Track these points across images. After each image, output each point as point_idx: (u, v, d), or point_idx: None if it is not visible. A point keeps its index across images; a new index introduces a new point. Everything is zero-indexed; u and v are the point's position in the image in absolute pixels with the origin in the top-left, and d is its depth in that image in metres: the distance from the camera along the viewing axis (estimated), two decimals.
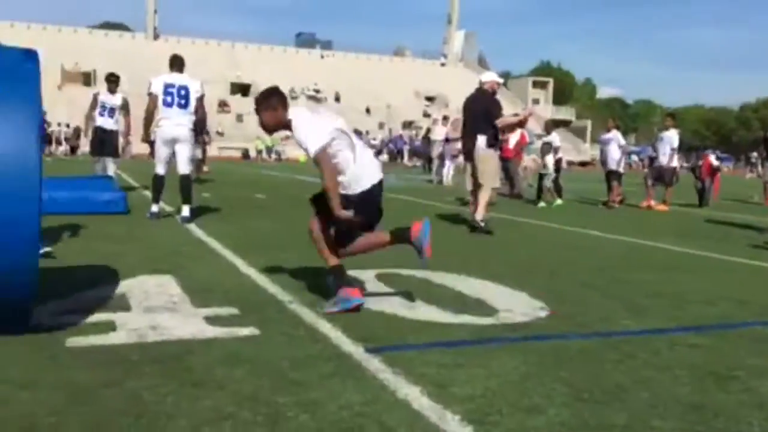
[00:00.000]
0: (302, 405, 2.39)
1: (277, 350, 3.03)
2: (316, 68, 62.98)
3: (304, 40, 75.96)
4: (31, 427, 2.14)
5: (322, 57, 68.85)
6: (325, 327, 3.43)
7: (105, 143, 10.58)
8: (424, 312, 3.82)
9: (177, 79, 7.67)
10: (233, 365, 2.79)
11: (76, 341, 3.05)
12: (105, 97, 10.55)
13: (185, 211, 7.66)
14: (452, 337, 3.35)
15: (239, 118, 51.63)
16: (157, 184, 7.86)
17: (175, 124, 7.58)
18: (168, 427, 2.17)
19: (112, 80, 10.68)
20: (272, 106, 3.83)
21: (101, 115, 10.50)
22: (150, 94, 7.63)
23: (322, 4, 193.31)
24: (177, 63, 7.83)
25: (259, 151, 42.12)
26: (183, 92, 7.58)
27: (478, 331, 3.46)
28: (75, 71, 53.39)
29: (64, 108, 42.06)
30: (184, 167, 7.75)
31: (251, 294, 4.16)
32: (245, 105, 53.54)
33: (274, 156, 41.79)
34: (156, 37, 61.95)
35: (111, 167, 10.71)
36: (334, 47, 73.43)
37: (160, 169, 7.81)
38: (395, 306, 3.92)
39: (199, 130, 8.21)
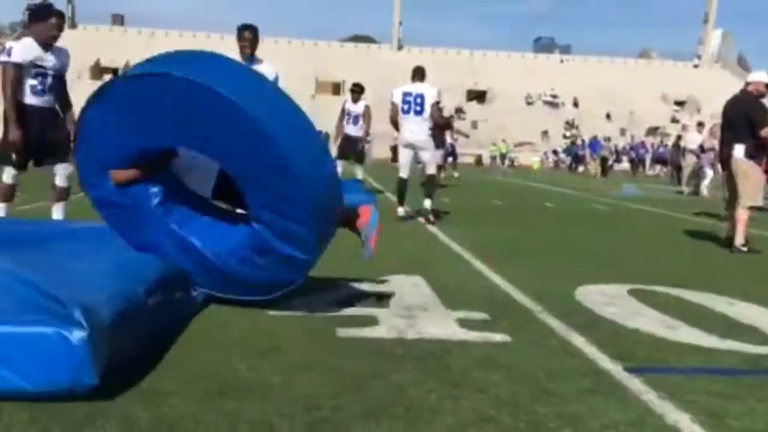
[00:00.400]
0: (563, 418, 2.37)
1: (531, 359, 3.03)
2: (554, 73, 61.74)
3: (543, 45, 75.00)
4: (316, 406, 2.37)
5: (561, 61, 67.31)
6: (578, 341, 3.36)
7: (349, 149, 11.39)
8: (686, 334, 3.58)
9: (415, 88, 8.16)
10: (490, 369, 2.85)
11: (345, 332, 3.32)
12: (349, 106, 11.36)
13: (426, 203, 8.08)
14: (721, 363, 3.10)
15: (474, 124, 52.32)
16: (401, 187, 8.32)
17: (410, 130, 8.06)
18: (434, 423, 2.28)
19: (355, 90, 11.49)
20: None
21: (347, 123, 11.32)
22: (392, 103, 8.19)
23: (562, 8, 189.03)
24: (418, 73, 8.30)
25: (493, 158, 42.33)
26: (419, 100, 8.02)
27: (752, 360, 3.16)
28: (326, 81, 58.00)
29: (316, 116, 45.86)
30: (429, 168, 8.20)
31: (499, 300, 4.21)
32: (480, 112, 54.20)
33: (507, 162, 41.76)
34: (400, 47, 65.07)
35: (358, 172, 11.46)
36: (572, 51, 71.48)
37: (403, 173, 8.27)
38: (653, 325, 3.72)
39: (436, 134, 8.58)
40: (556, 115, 55.46)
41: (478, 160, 43.80)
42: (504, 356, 3.05)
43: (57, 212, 5.59)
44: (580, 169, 36.80)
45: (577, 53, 69.89)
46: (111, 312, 2.48)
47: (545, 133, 51.99)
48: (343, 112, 11.42)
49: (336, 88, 57.07)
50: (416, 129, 8.03)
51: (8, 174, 5.39)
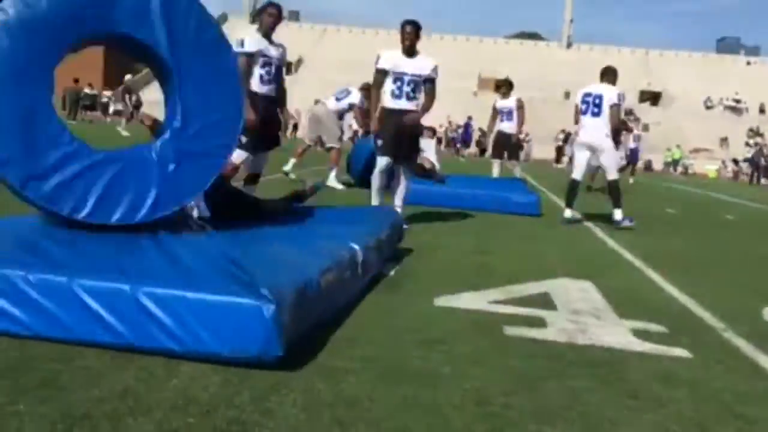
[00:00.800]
0: None
1: (716, 379, 2.83)
2: (739, 76, 56.98)
3: (727, 45, 69.49)
4: (486, 400, 2.36)
5: (748, 63, 62.00)
6: None
7: (504, 146, 11.14)
8: None
9: (595, 88, 7.83)
10: (671, 385, 2.69)
11: (512, 330, 3.28)
12: (500, 103, 11.10)
13: (617, 214, 7.74)
14: None
15: (645, 127, 49.59)
16: (572, 189, 8.05)
17: (587, 131, 7.75)
18: None
19: (502, 86, 11.21)
20: None
21: (501, 120, 11.06)
22: (576, 105, 7.92)
23: (750, 6, 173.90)
24: (605, 73, 7.94)
25: (667, 164, 39.88)
26: (597, 101, 7.68)
27: None
28: (490, 78, 57.51)
29: (478, 113, 45.65)
30: (610, 173, 7.84)
31: (677, 313, 3.96)
32: (653, 114, 51.27)
33: (680, 169, 39.19)
34: (569, 45, 63.07)
35: (515, 170, 11.20)
36: (761, 53, 65.65)
37: (576, 174, 8.00)
38: None
39: (613, 138, 8.13)
40: (739, 122, 51.14)
41: (648, 166, 41.43)
42: (685, 372, 2.87)
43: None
44: (763, 181, 33.75)
45: (766, 55, 64.08)
46: (293, 290, 2.61)
47: (725, 140, 48.17)
48: (495, 111, 11.22)
49: (495, 88, 56.46)
50: (592, 130, 7.71)
51: (238, 155, 5.72)
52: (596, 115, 7.67)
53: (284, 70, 6.02)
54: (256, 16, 6.74)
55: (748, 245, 8.00)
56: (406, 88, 5.99)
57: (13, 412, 1.94)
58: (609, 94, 7.69)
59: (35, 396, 2.06)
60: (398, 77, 5.99)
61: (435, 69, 6.09)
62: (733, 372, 2.95)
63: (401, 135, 6.02)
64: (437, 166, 9.95)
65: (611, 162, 7.90)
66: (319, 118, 10.72)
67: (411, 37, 6.08)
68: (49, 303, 2.45)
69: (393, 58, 6.07)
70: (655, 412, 2.38)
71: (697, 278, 5.12)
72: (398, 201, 6.22)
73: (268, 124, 5.72)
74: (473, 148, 41.00)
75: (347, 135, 10.46)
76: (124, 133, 20.68)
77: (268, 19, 5.68)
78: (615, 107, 7.64)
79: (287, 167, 10.57)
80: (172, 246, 3.15)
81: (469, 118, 35.84)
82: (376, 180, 6.16)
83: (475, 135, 38.63)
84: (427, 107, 6.13)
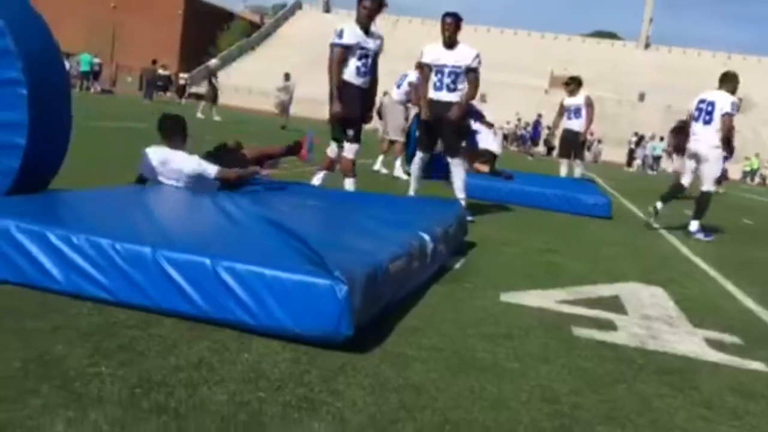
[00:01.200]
0: None
1: None
2: None
3: None
4: (554, 399, 2.33)
5: None
6: None
7: (570, 145, 10.83)
8: None
9: (710, 94, 7.43)
10: (746, 398, 2.59)
11: (581, 331, 3.22)
12: (567, 101, 10.78)
13: (693, 225, 7.47)
14: None
15: None
16: (674, 189, 7.75)
17: (695, 139, 7.42)
18: None
19: (570, 83, 10.84)
20: None
21: (568, 118, 10.75)
22: (689, 111, 7.61)
23: None
24: (723, 80, 7.49)
25: (745, 173, 38.36)
26: (709, 108, 7.30)
27: None
28: (562, 77, 56.39)
29: (548, 111, 44.86)
30: (705, 183, 7.45)
31: (754, 326, 3.82)
32: (738, 122, 49.35)
33: (757, 180, 37.64)
34: (647, 46, 61.28)
35: (577, 170, 10.90)
36: None
37: (684, 180, 7.70)
38: None
39: (725, 148, 7.69)
40: None
41: (724, 175, 39.87)
42: (762, 387, 2.76)
43: (347, 184, 5.87)
44: None
45: None
46: (364, 274, 2.62)
47: None
48: (561, 108, 10.92)
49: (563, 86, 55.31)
50: (700, 138, 7.37)
51: (331, 148, 5.84)
52: (707, 123, 7.31)
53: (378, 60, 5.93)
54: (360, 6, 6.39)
55: None
56: (447, 80, 5.98)
57: (96, 373, 2.02)
58: (722, 102, 7.32)
59: (115, 359, 2.14)
60: (439, 69, 5.99)
61: (476, 58, 6.01)
62: None
63: (440, 128, 6.01)
64: (498, 152, 9.89)
65: (710, 173, 7.48)
66: (385, 110, 10.74)
67: (451, 28, 6.02)
68: (133, 271, 2.54)
69: (433, 51, 6.06)
70: (729, 425, 2.31)
71: None
72: (459, 194, 6.17)
73: (356, 115, 5.70)
74: (541, 147, 40.34)
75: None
76: (200, 115, 21.19)
77: (362, 11, 5.62)
78: (726, 116, 7.26)
79: (376, 166, 10.62)
80: (249, 225, 3.22)
81: (539, 116, 35.25)
82: (414, 169, 6.42)
83: (544, 133, 37.92)
84: (471, 96, 6.10)
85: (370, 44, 5.66)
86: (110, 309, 2.58)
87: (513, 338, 2.97)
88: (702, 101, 7.41)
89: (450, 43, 6.06)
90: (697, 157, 7.45)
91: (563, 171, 10.91)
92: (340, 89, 5.56)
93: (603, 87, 46.97)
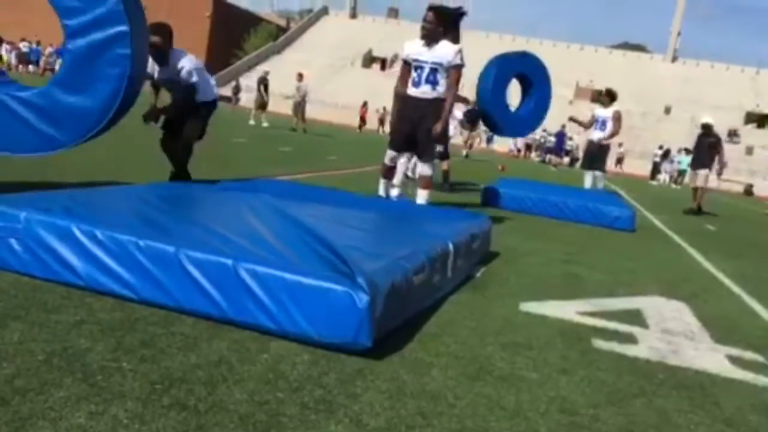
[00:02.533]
0: None
1: None
2: None
3: None
4: (573, 411, 2.31)
5: None
6: None
7: (594, 157, 10.76)
8: None
9: None
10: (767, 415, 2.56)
11: (601, 344, 3.19)
12: (599, 112, 10.73)
13: None
14: None
15: (749, 150, 47.21)
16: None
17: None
18: None
19: (605, 95, 10.75)
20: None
21: (595, 128, 10.68)
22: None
23: None
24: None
25: None
26: None
27: None
28: (587, 88, 56.07)
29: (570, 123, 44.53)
30: None
31: None
32: (759, 137, 48.75)
33: None
34: (674, 59, 60.74)
35: (599, 182, 10.80)
36: None
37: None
38: None
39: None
40: None
41: (748, 191, 39.42)
42: None
43: (420, 197, 5.89)
44: None
45: None
46: (386, 284, 2.61)
47: None
48: (593, 118, 10.87)
49: (595, 95, 54.91)
50: None
51: (387, 155, 5.89)
52: None
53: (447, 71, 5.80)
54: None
55: None
56: (427, 76, 5.70)
57: (117, 368, 2.05)
58: None
59: (137, 355, 2.16)
60: (419, 65, 5.72)
61: (458, 54, 5.72)
62: None
63: (417, 131, 5.73)
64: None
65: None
66: None
67: (433, 23, 5.73)
68: (156, 269, 2.57)
69: (414, 46, 5.83)
70: None
71: None
72: (420, 200, 5.89)
73: (417, 126, 5.70)
74: (566, 158, 39.98)
75: (452, 127, 10.29)
76: (251, 122, 21.21)
77: (421, 29, 5.72)
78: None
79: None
80: (276, 228, 3.24)
81: (563, 126, 35.03)
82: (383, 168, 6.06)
83: (569, 144, 37.75)
84: (452, 94, 5.81)
85: (426, 56, 5.71)
86: (132, 306, 2.61)
87: (532, 348, 2.96)
88: None
89: (432, 39, 5.77)
90: None
91: (587, 182, 10.82)
92: (399, 102, 5.76)
93: (629, 99, 46.61)
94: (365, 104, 39.07)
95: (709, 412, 2.52)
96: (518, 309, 3.59)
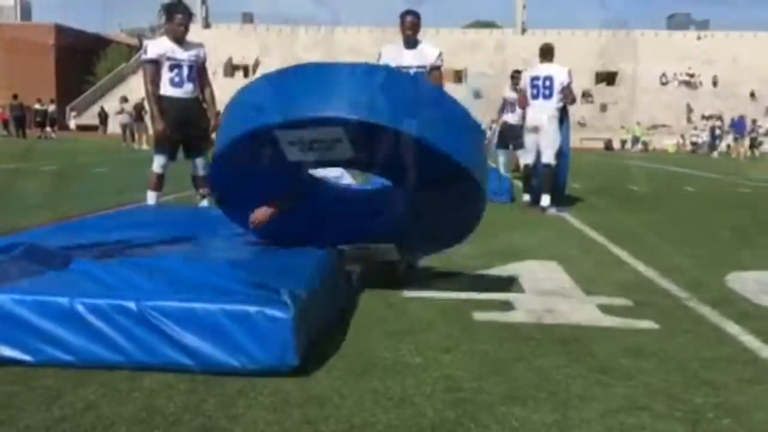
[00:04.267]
0: (723, 408, 2.22)
1: (682, 348, 2.86)
2: (691, 51, 58.02)
3: (678, 22, 70.48)
4: (457, 387, 2.35)
5: (699, 38, 63.12)
6: (734, 329, 3.14)
7: (510, 137, 11.02)
8: None
9: (542, 70, 7.66)
10: (638, 357, 2.71)
11: (481, 315, 3.27)
12: (508, 94, 10.90)
13: (544, 200, 7.56)
14: None
15: (603, 107, 50.30)
16: (526, 173, 8.09)
17: (537, 114, 7.60)
18: (584, 409, 2.19)
19: (515, 77, 10.97)
20: None
21: (507, 111, 10.85)
22: (519, 91, 7.84)
23: None
24: (545, 53, 7.79)
25: (624, 142, 40.54)
26: (547, 83, 7.55)
27: None
28: (449, 69, 57.65)
29: None
30: (545, 156, 7.61)
31: (642, 287, 4.01)
32: (609, 94, 51.98)
33: (640, 146, 39.83)
34: (524, 31, 63.56)
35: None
36: (711, 27, 66.75)
37: (527, 159, 8.01)
38: None
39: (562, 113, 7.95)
40: (694, 96, 52.18)
41: (607, 145, 42.01)
42: (652, 344, 2.89)
43: (204, 202, 5.88)
44: (715, 154, 34.30)
45: (716, 28, 65.19)
46: (304, 299, 2.53)
47: (681, 115, 49.12)
48: (504, 102, 11.06)
49: (458, 76, 56.61)
50: (541, 113, 7.58)
51: (157, 163, 5.73)
52: (547, 97, 7.40)
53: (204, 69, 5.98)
54: (166, 20, 5.91)
55: (707, 216, 8.18)
56: None
57: None
58: (560, 76, 7.48)
59: None
60: (404, 70, 5.60)
61: (440, 56, 5.90)
62: (699, 340, 2.98)
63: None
64: None
65: (548, 143, 7.59)
66: None
67: (413, 27, 5.88)
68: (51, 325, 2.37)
69: (393, 52, 5.90)
70: (624, 385, 2.40)
71: (660, 252, 5.20)
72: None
73: (188, 126, 5.71)
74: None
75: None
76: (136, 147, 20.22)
77: (171, 25, 5.74)
78: (566, 87, 7.44)
79: None
80: (176, 260, 3.05)
81: None
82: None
83: None
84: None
85: (182, 54, 5.72)
86: None
87: (416, 332, 2.98)
88: (536, 78, 7.59)
89: (413, 42, 5.91)
90: (537, 130, 7.60)
91: (500, 161, 10.99)
92: (159, 104, 5.66)
93: (491, 72, 48.36)
94: None
95: (584, 363, 2.63)
96: (398, 295, 3.61)
